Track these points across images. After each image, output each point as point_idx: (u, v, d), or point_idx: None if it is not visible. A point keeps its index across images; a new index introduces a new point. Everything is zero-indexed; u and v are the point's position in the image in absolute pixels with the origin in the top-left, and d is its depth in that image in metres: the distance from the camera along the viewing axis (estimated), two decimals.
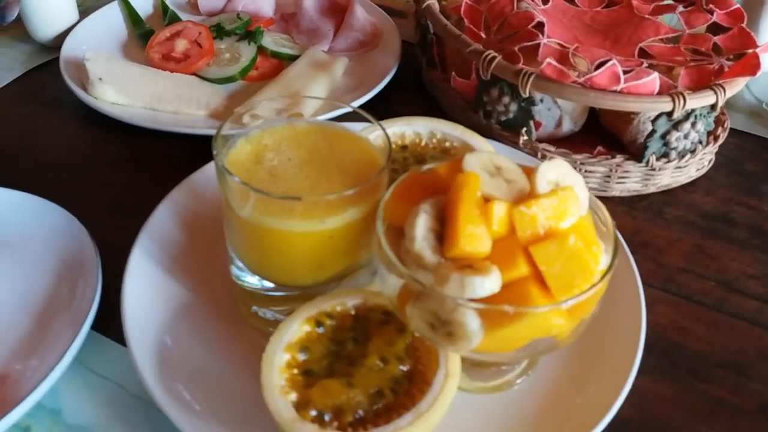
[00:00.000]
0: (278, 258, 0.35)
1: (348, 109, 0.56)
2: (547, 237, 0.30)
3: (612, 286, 0.33)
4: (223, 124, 0.36)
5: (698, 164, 0.53)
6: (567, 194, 0.31)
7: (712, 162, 0.55)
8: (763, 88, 0.65)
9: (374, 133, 0.46)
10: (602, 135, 0.55)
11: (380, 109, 0.60)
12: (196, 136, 0.52)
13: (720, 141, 0.53)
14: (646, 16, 0.57)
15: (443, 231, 0.31)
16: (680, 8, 0.57)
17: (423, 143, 0.47)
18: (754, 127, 0.61)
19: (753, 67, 0.47)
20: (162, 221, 0.43)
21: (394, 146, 0.47)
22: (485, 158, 0.33)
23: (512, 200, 0.31)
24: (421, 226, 0.31)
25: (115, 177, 0.52)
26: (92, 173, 0.52)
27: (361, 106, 0.58)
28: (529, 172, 0.33)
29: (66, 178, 0.51)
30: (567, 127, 0.54)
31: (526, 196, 0.32)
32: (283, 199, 0.32)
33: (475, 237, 0.30)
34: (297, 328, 0.32)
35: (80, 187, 0.50)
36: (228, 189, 0.34)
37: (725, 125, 0.54)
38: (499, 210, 0.30)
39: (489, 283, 0.28)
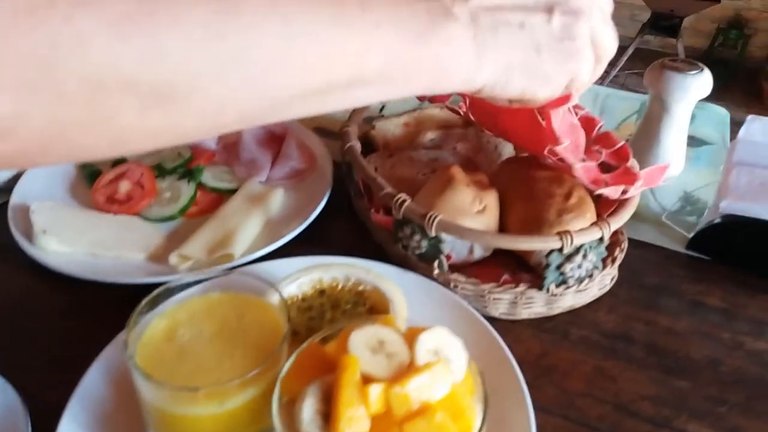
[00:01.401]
0: None
1: (283, 242, 0.62)
2: (420, 412, 0.34)
3: (506, 422, 0.36)
4: (138, 308, 0.39)
5: (600, 284, 0.58)
6: (439, 369, 0.35)
7: (614, 279, 0.59)
8: (667, 196, 0.71)
9: (295, 282, 0.51)
10: (513, 256, 0.60)
11: (314, 236, 0.65)
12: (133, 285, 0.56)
13: (618, 261, 0.58)
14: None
15: (330, 410, 0.35)
16: None
17: (340, 287, 0.51)
18: (658, 237, 0.66)
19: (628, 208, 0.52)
20: (93, 381, 0.46)
21: (312, 291, 0.51)
22: (370, 334, 0.37)
23: (391, 375, 0.35)
24: (308, 410, 0.34)
25: (56, 329, 0.55)
26: (34, 326, 0.55)
27: (296, 236, 0.63)
28: (412, 340, 0.37)
29: (6, 333, 0.54)
30: (478, 253, 0.58)
31: (405, 369, 0.36)
32: (180, 390, 0.35)
33: (354, 419, 0.33)
34: None
35: (20, 343, 0.53)
36: (133, 373, 0.37)
37: (623, 246, 0.59)
38: (376, 391, 0.34)
39: None
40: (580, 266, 0.53)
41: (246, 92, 0.27)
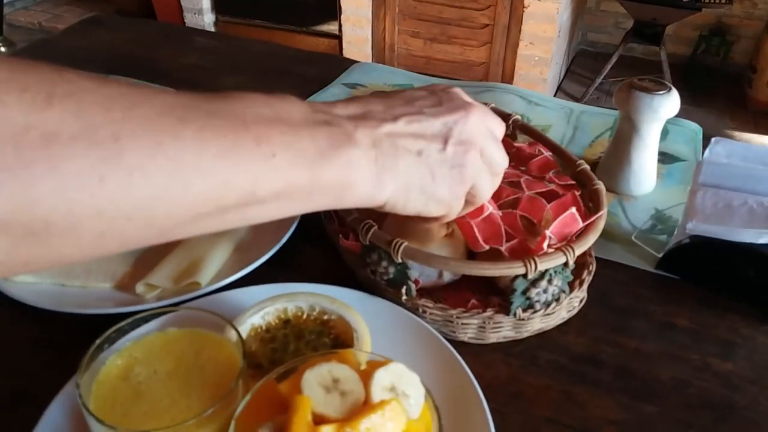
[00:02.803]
0: None
1: (252, 268, 0.61)
2: None
3: None
4: (92, 347, 0.39)
5: (568, 306, 0.58)
6: (392, 407, 0.35)
7: (584, 301, 0.59)
8: (638, 215, 0.71)
9: (260, 312, 0.51)
10: (483, 279, 0.59)
11: (284, 260, 0.64)
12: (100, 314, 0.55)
13: (586, 284, 0.58)
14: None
15: None
16: (525, 178, 0.63)
17: (305, 317, 0.51)
18: (627, 257, 0.66)
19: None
20: (54, 417, 0.45)
21: (277, 321, 0.51)
22: (324, 372, 0.37)
23: (345, 414, 0.35)
24: None
25: (22, 362, 0.54)
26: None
27: (266, 261, 0.63)
28: (369, 376, 0.37)
29: None
30: (448, 277, 0.58)
31: (360, 407, 0.36)
32: None
33: None
34: None
35: None
36: (86, 416, 0.37)
37: (590, 268, 0.59)
38: None
39: None
40: (545, 291, 0.53)
41: (128, 224, 0.28)
